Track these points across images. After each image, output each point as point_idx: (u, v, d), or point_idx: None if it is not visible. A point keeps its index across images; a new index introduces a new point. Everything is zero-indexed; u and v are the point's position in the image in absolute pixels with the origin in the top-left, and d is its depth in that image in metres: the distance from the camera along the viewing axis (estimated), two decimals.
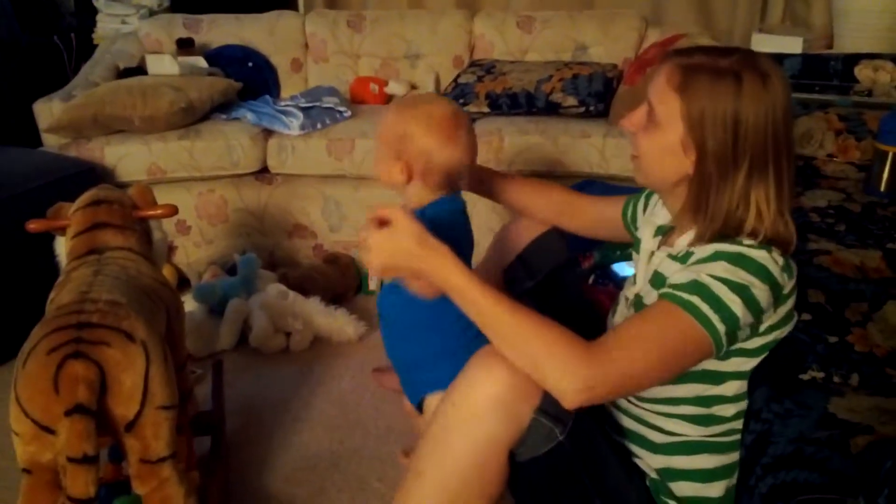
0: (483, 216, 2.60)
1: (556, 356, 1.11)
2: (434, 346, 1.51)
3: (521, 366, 1.15)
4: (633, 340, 1.13)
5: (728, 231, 1.17)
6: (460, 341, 1.44)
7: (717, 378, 1.22)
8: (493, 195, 1.74)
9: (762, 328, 1.18)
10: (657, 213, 1.39)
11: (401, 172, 1.46)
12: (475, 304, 1.17)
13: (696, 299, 1.11)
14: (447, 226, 1.31)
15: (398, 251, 1.20)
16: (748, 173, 1.15)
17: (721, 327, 1.11)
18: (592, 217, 1.64)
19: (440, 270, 1.19)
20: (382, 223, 1.21)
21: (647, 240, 1.37)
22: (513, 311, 1.15)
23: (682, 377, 1.19)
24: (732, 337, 1.13)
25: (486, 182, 1.72)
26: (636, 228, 1.49)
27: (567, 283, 1.76)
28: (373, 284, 2.61)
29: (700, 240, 1.20)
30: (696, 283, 1.13)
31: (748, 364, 1.22)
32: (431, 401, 1.50)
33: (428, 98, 1.74)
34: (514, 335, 1.15)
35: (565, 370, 1.10)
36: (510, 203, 1.74)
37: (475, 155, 1.53)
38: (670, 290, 1.15)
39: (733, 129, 1.14)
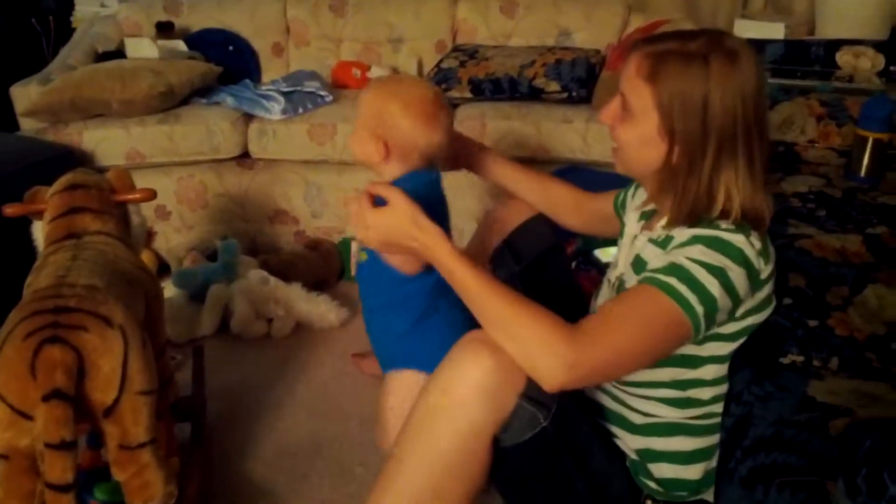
0: (465, 202, 2.60)
1: (539, 338, 1.11)
2: (401, 322, 1.51)
3: (506, 347, 1.14)
4: (614, 323, 1.13)
5: (698, 212, 1.17)
6: (428, 320, 1.46)
7: (695, 362, 1.23)
8: (482, 171, 1.71)
9: (738, 313, 1.19)
10: (642, 199, 1.39)
11: (377, 151, 1.46)
12: (464, 284, 1.19)
13: (673, 280, 1.11)
14: (424, 198, 1.31)
15: (394, 230, 1.25)
16: (716, 155, 1.15)
17: (699, 308, 1.11)
18: (590, 214, 1.64)
19: (433, 251, 1.22)
20: (372, 199, 1.27)
21: (632, 224, 1.38)
22: (500, 293, 1.16)
23: (661, 362, 1.20)
24: (710, 319, 1.13)
25: (475, 157, 1.70)
26: (625, 215, 1.49)
27: (554, 268, 1.76)
28: (354, 270, 2.60)
29: (674, 223, 1.20)
30: (673, 265, 1.13)
31: (725, 348, 1.23)
32: (393, 377, 1.51)
33: (406, 78, 1.73)
34: (499, 316, 1.16)
35: (548, 352, 1.10)
36: (504, 185, 1.72)
37: (451, 136, 1.54)
38: (649, 274, 1.15)
39: (702, 112, 1.14)
